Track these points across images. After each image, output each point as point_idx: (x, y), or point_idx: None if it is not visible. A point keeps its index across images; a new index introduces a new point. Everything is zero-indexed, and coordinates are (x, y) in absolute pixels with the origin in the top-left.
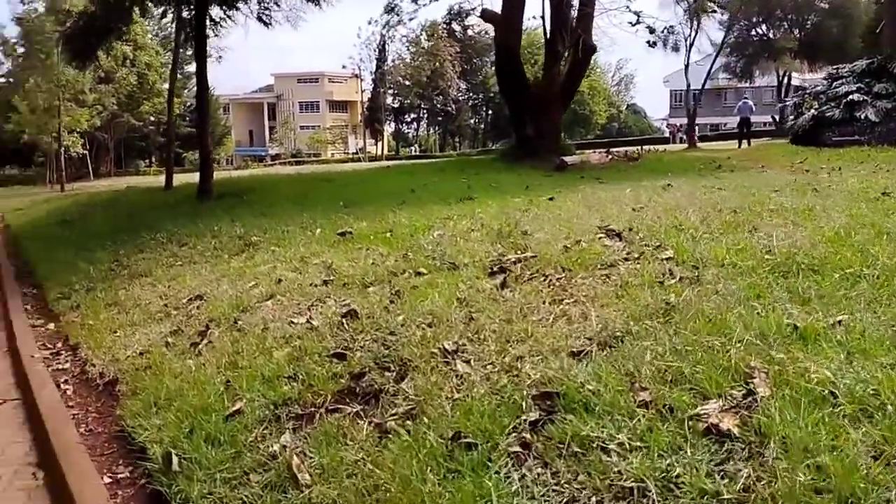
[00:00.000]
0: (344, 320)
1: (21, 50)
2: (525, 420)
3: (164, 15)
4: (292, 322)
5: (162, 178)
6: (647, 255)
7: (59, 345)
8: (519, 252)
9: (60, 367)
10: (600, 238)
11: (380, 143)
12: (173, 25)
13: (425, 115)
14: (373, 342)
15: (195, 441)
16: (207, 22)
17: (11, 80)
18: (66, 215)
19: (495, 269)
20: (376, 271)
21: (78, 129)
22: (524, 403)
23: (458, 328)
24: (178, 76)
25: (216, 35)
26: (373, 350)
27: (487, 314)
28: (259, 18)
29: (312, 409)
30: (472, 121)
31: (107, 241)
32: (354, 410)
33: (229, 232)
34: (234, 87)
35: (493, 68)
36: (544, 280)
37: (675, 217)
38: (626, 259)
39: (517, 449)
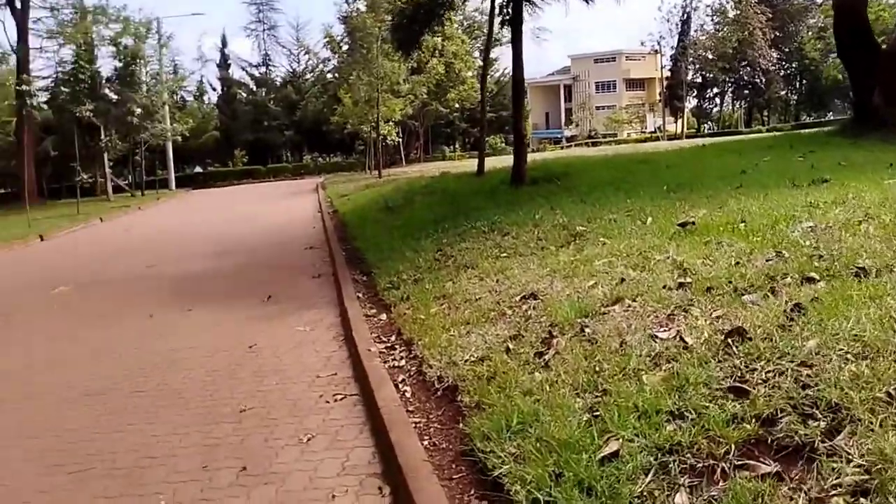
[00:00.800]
0: (729, 340)
1: (345, 47)
2: None
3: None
4: (656, 336)
5: (467, 163)
6: None
7: (393, 338)
8: None
9: (396, 363)
10: None
11: (680, 121)
12: (478, 14)
13: (730, 89)
14: (778, 375)
15: (566, 489)
16: (524, 4)
17: (336, 75)
18: (389, 201)
19: None
20: (745, 274)
21: (393, 119)
22: None
23: None
24: (482, 62)
25: (530, 14)
26: (782, 386)
27: None
28: None
29: (711, 461)
30: (782, 93)
31: (429, 229)
32: (772, 471)
33: (551, 221)
34: (531, 70)
35: (810, 33)
36: None
37: None
38: None
39: None
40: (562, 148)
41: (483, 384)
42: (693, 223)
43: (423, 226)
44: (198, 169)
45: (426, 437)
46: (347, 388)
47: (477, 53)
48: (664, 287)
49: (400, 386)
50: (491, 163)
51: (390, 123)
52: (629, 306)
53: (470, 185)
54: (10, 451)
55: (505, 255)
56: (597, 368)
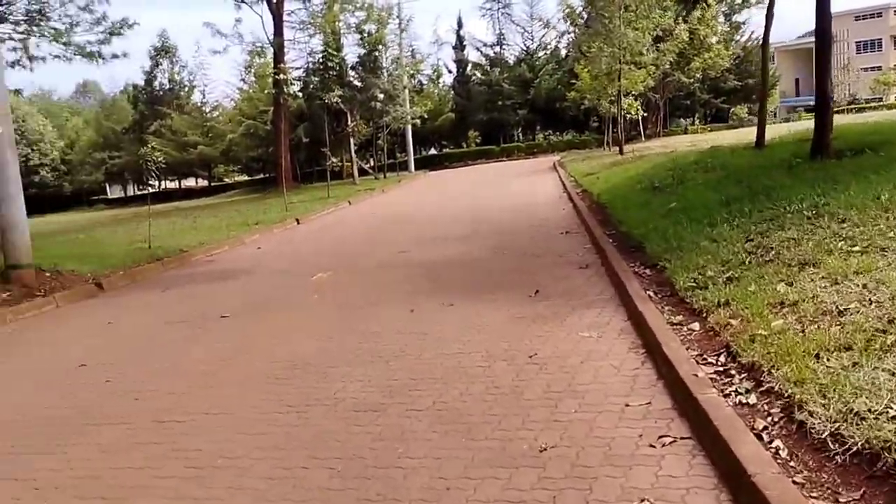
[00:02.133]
0: None
1: (582, 20)
2: None
3: None
4: None
5: (713, 136)
6: None
7: (722, 359)
8: None
9: (742, 399)
10: None
11: None
12: None
13: None
14: None
15: None
16: None
17: (572, 49)
18: (654, 180)
19: None
20: None
21: (633, 92)
22: None
23: None
24: (727, 27)
25: None
26: None
27: None
28: None
29: None
30: None
31: (721, 213)
32: None
33: None
34: (776, 33)
35: None
36: None
37: None
38: None
39: None
40: None
41: None
42: None
43: (711, 209)
44: (433, 151)
45: None
46: (673, 426)
47: (721, 18)
48: None
49: (763, 436)
50: (734, 136)
51: (630, 97)
52: None
53: (753, 160)
54: (281, 485)
55: (858, 249)
56: None
